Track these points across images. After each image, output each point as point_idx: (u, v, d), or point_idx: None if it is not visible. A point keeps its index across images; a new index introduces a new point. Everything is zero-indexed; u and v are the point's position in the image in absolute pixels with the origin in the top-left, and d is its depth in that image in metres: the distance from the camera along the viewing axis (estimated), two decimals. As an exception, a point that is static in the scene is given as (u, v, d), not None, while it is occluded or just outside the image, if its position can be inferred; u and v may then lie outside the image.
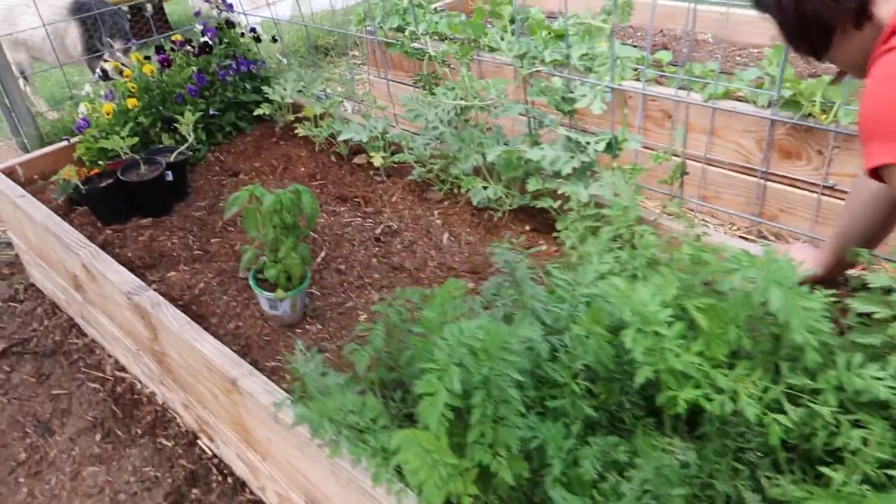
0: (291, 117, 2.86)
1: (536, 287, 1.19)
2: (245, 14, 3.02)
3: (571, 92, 2.01)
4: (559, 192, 1.96)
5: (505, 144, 2.18)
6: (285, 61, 3.25)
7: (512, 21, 3.17)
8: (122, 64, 4.06)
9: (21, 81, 4.28)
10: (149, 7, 5.65)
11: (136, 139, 2.36)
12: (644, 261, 1.28)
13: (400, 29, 3.48)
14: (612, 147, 1.99)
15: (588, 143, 1.96)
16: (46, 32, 3.93)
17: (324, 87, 2.80)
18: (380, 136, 2.51)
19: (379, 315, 1.37)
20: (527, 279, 1.20)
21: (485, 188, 2.14)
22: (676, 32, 3.82)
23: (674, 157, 1.94)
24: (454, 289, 1.14)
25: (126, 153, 2.39)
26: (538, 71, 2.04)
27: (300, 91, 2.83)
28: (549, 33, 2.98)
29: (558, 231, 2.06)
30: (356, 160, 2.67)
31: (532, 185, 2.01)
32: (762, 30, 3.60)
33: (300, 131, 2.79)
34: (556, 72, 2.01)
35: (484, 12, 3.17)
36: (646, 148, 2.72)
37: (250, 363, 1.68)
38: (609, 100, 1.93)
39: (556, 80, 2.05)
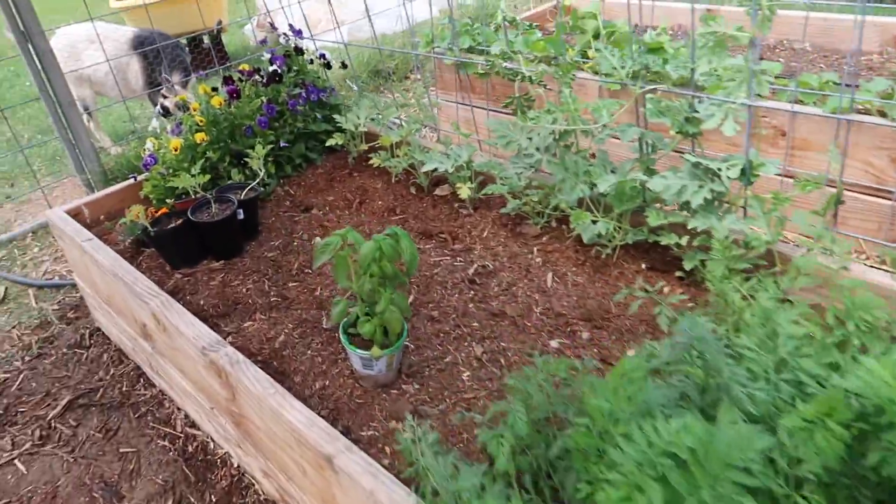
0: (365, 147, 2.68)
1: (734, 365, 0.93)
2: (313, 39, 2.86)
3: (696, 111, 1.75)
4: (689, 227, 1.70)
5: (612, 172, 1.94)
6: (355, 88, 3.08)
7: (596, 36, 2.93)
8: (184, 98, 3.97)
9: (84, 117, 4.24)
10: (206, 39, 5.62)
11: (209, 177, 2.20)
12: (861, 325, 1.02)
13: (471, 49, 3.29)
14: (747, 173, 1.72)
15: (720, 169, 1.70)
16: (110, 67, 3.87)
17: (398, 113, 2.61)
18: (465, 165, 2.30)
19: (514, 389, 1.13)
20: (721, 354, 0.95)
21: (594, 222, 1.89)
22: (770, 42, 3.53)
23: (827, 186, 1.67)
24: (631, 369, 0.89)
25: (197, 192, 2.23)
26: (654, 90, 1.80)
27: (373, 119, 2.65)
28: (640, 47, 2.73)
29: (684, 272, 1.80)
30: (438, 192, 2.46)
31: (653, 218, 1.75)
32: (869, 36, 3.29)
33: (375, 161, 2.59)
34: (675, 90, 1.77)
35: (565, 27, 2.94)
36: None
37: (342, 431, 1.47)
38: (744, 119, 1.67)
39: (660, 97, 1.80)
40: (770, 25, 1.56)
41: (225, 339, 1.85)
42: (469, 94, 3.25)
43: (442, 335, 1.79)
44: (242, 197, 2.32)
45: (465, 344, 1.75)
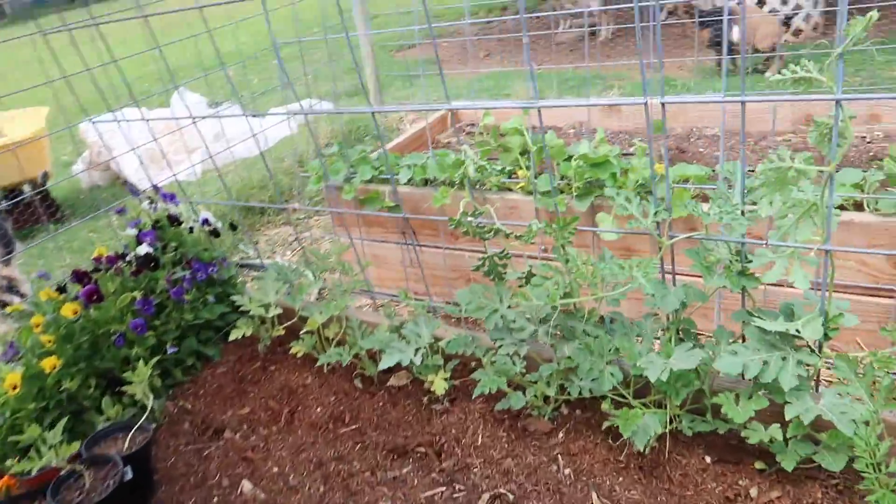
0: (281, 331, 2.07)
1: None
2: (193, 204, 2.24)
3: (750, 261, 1.37)
4: (787, 417, 1.28)
5: (638, 337, 1.51)
6: (252, 252, 2.48)
7: (523, 153, 2.57)
8: (5, 276, 3.15)
9: None
10: (27, 188, 4.71)
11: (77, 445, 1.49)
12: None
13: (372, 180, 2.83)
14: (824, 329, 1.35)
15: (798, 330, 1.31)
16: None
17: (322, 282, 2.05)
18: (428, 348, 1.77)
19: None
20: None
21: (643, 415, 1.42)
22: (678, 132, 3.38)
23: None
24: None
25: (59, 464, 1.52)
26: (690, 237, 1.40)
27: (287, 293, 2.06)
28: (583, 163, 2.39)
29: (764, 461, 1.38)
30: (393, 381, 1.90)
31: (734, 413, 1.32)
32: (783, 115, 3.20)
33: (297, 350, 2.00)
34: (717, 236, 1.39)
35: (490, 148, 2.56)
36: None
37: None
38: (815, 265, 1.30)
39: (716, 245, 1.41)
40: (843, 153, 1.22)
41: None
42: (362, 228, 2.76)
43: None
44: (127, 448, 1.63)
45: None
